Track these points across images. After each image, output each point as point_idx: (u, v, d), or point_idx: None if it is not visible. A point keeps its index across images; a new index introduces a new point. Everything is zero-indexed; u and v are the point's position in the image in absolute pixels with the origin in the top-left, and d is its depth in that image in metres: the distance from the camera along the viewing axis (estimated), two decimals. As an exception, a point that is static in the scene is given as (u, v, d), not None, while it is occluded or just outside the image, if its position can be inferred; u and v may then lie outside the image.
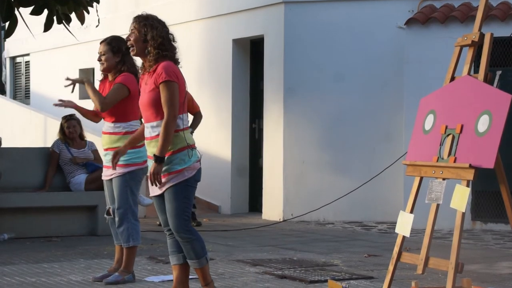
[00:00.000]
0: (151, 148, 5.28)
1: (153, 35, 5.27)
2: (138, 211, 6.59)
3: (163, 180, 5.21)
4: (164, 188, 5.25)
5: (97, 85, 6.73)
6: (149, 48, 5.27)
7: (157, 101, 5.22)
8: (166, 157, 5.17)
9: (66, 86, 6.64)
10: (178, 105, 5.19)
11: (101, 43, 6.55)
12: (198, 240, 5.29)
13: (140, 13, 5.46)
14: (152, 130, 5.27)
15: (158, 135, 5.21)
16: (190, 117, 9.51)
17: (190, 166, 5.23)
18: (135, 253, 6.54)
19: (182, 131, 5.24)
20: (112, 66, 6.50)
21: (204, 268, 5.35)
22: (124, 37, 5.68)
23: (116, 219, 6.46)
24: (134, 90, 6.40)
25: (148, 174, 5.23)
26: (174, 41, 5.37)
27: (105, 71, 6.57)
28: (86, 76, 6.62)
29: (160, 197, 5.33)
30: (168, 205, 5.25)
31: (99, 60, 6.54)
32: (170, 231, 5.36)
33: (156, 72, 5.23)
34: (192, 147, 5.28)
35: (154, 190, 5.31)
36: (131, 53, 5.46)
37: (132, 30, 5.39)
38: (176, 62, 5.34)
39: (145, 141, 5.36)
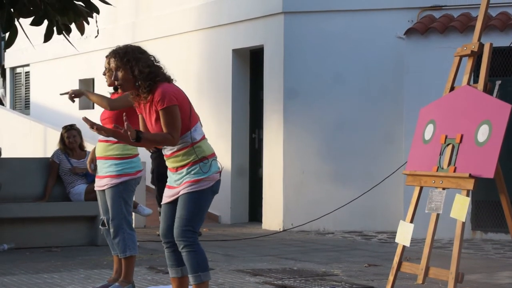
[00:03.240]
0: (170, 164, 5.22)
1: (140, 69, 5.11)
2: (133, 221, 6.57)
3: (179, 188, 5.16)
4: (177, 195, 5.18)
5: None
6: (139, 82, 5.11)
7: None
8: (186, 168, 5.12)
9: (61, 94, 6.56)
10: (180, 126, 5.08)
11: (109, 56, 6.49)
12: (196, 254, 5.12)
13: (115, 48, 5.26)
14: (170, 148, 5.18)
15: (176, 151, 5.14)
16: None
17: (209, 176, 5.15)
18: (134, 262, 6.53)
19: (200, 142, 5.17)
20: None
21: (199, 286, 5.14)
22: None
23: (111, 230, 6.44)
24: None
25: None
26: (157, 61, 5.21)
27: (111, 85, 6.52)
28: (81, 89, 6.52)
29: (170, 204, 5.25)
30: (178, 211, 5.16)
31: (104, 74, 6.49)
32: (167, 244, 5.27)
33: (154, 100, 5.10)
34: (211, 157, 5.20)
35: (167, 197, 5.25)
36: (120, 90, 5.25)
37: (115, 68, 5.18)
38: (169, 80, 5.20)
39: (165, 157, 5.25)
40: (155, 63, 5.20)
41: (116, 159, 6.37)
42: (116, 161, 6.38)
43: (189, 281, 5.22)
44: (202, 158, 5.15)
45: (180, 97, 5.16)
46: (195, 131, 5.18)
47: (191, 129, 5.16)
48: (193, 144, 5.14)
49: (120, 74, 5.17)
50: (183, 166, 5.16)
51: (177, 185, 5.19)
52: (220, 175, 5.26)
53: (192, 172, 5.14)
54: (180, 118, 5.09)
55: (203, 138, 5.25)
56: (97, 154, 6.51)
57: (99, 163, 6.49)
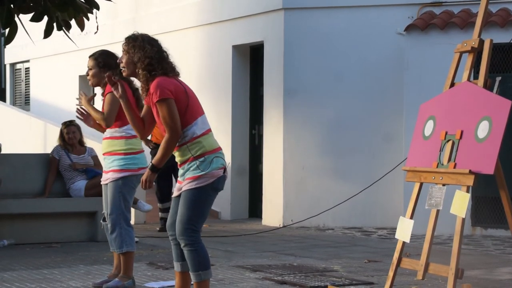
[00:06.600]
0: (176, 158, 5.23)
1: (140, 57, 5.20)
2: (132, 217, 6.58)
3: (182, 184, 5.16)
4: (181, 191, 5.17)
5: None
6: (138, 70, 5.22)
7: None
8: (186, 163, 5.12)
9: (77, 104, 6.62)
10: (178, 119, 5.08)
11: (89, 57, 6.59)
12: (197, 253, 5.12)
13: (131, 34, 5.38)
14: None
15: (178, 145, 5.13)
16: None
17: (207, 173, 5.09)
18: (132, 258, 6.53)
19: (201, 136, 5.13)
20: (99, 81, 6.53)
21: (200, 284, 5.15)
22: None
23: (109, 225, 6.46)
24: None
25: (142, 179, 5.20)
26: (165, 56, 5.24)
27: (93, 86, 6.62)
28: (81, 96, 6.58)
29: (177, 198, 5.24)
30: (179, 208, 5.16)
31: (87, 74, 6.58)
32: (171, 236, 5.29)
33: (149, 93, 5.16)
34: (213, 152, 5.14)
35: (176, 191, 5.25)
36: (123, 74, 5.36)
37: (123, 51, 5.33)
38: (167, 74, 5.18)
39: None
40: (161, 57, 5.22)
41: (119, 154, 6.44)
42: (120, 157, 6.44)
43: (191, 278, 5.22)
44: (199, 155, 5.11)
45: (176, 90, 5.15)
46: (195, 126, 5.14)
47: (191, 123, 5.14)
48: (192, 140, 5.12)
49: (125, 58, 5.31)
50: (184, 162, 5.17)
51: (182, 180, 5.20)
52: (224, 171, 5.19)
53: (191, 169, 5.13)
54: (176, 111, 5.10)
55: (206, 132, 5.18)
56: (103, 151, 6.57)
57: (104, 159, 6.54)
